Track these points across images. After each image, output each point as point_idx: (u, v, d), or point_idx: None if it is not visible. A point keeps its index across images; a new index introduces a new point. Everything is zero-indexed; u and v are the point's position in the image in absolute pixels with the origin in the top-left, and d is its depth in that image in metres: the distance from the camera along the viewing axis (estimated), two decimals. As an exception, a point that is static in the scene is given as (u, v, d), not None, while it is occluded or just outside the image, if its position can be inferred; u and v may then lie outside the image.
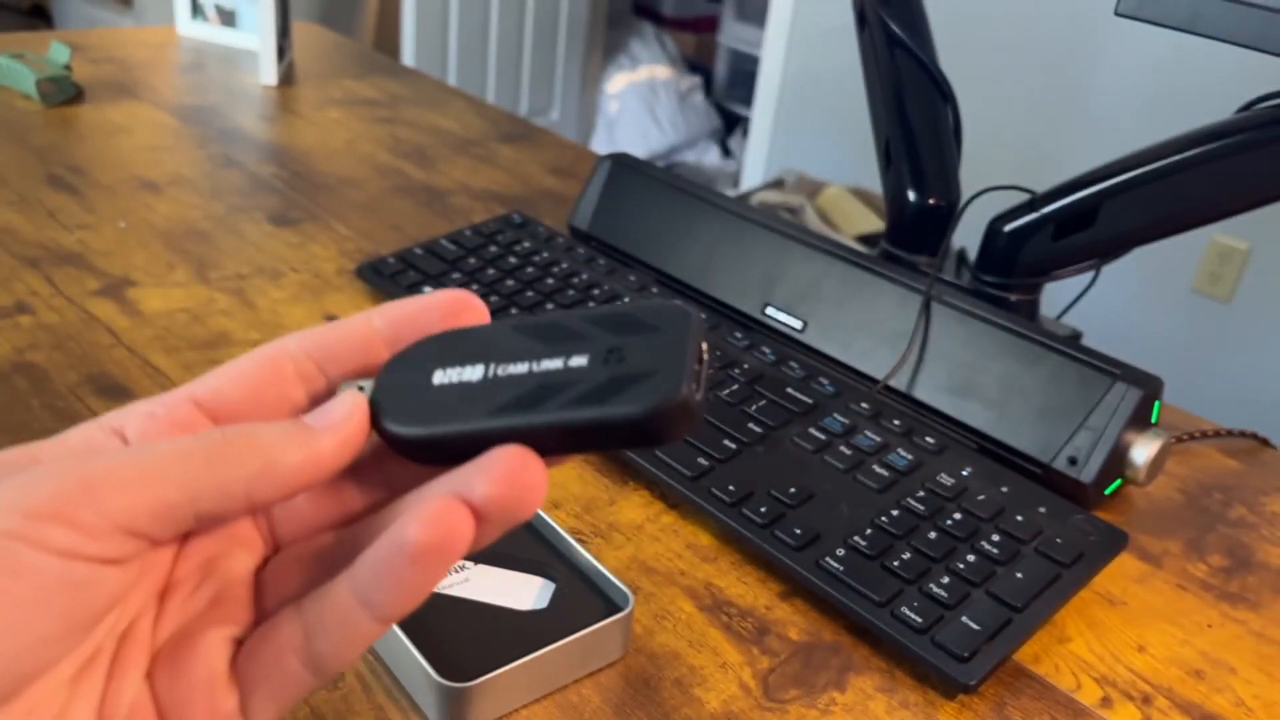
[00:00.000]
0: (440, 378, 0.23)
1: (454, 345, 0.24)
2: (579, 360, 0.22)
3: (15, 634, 0.19)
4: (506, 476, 0.21)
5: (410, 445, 0.23)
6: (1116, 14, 0.57)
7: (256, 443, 0.22)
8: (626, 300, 0.64)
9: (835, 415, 0.55)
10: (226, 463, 0.21)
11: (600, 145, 3.30)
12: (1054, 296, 0.75)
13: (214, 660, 0.23)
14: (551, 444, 0.22)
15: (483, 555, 0.44)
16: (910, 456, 0.53)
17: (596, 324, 0.23)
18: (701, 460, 0.51)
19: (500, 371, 0.23)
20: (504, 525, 0.21)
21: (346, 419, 0.23)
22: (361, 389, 0.24)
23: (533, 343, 0.23)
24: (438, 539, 0.20)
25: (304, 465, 0.22)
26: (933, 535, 0.48)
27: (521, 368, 0.23)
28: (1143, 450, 0.53)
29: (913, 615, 0.43)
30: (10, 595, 0.19)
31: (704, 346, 0.22)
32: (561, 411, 0.21)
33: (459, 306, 0.25)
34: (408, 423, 0.23)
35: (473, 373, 0.23)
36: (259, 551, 0.25)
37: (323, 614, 0.22)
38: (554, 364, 0.22)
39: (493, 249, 0.70)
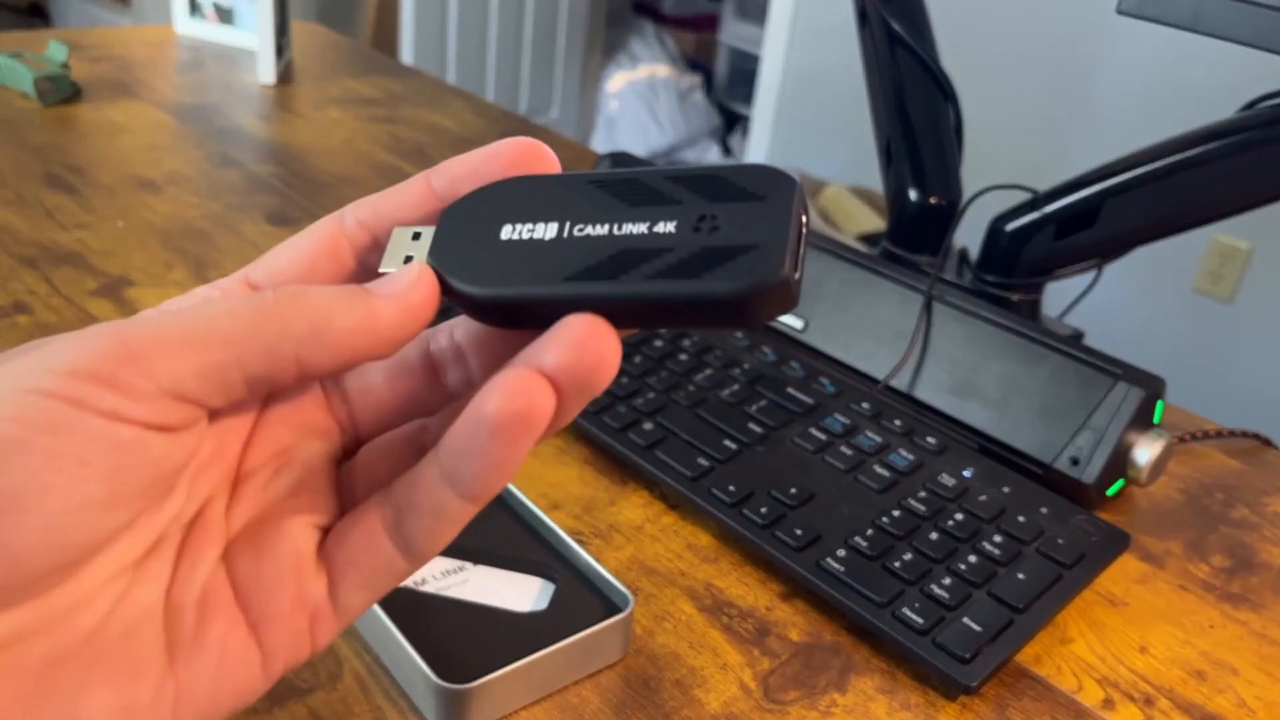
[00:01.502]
0: (509, 233, 0.21)
1: (523, 196, 0.22)
2: (666, 226, 0.20)
3: (58, 494, 0.18)
4: (577, 345, 0.20)
5: (481, 306, 0.21)
6: (1118, 12, 0.57)
7: (305, 303, 0.20)
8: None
9: (836, 415, 0.55)
10: (273, 321, 0.20)
11: (600, 144, 3.30)
12: (1056, 296, 0.75)
13: (299, 543, 0.22)
14: (634, 316, 0.20)
15: (482, 556, 0.44)
16: (911, 457, 0.52)
17: (686, 185, 0.21)
18: (702, 460, 0.51)
19: (577, 231, 0.21)
20: (580, 397, 0.20)
21: (411, 287, 0.21)
22: (418, 236, 0.22)
23: (613, 201, 0.21)
24: (517, 410, 0.19)
25: (357, 329, 0.20)
26: (934, 536, 0.48)
27: (601, 229, 0.21)
28: (1145, 450, 0.52)
29: (914, 616, 0.43)
30: (49, 452, 0.18)
31: (804, 219, 0.20)
32: (649, 283, 0.20)
33: (528, 156, 0.23)
34: (477, 281, 0.21)
35: (545, 230, 0.21)
36: (336, 440, 0.24)
37: (411, 495, 0.21)
38: (638, 228, 0.20)
39: (492, 248, 0.69)
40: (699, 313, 0.20)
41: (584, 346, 0.20)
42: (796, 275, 0.20)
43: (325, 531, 0.23)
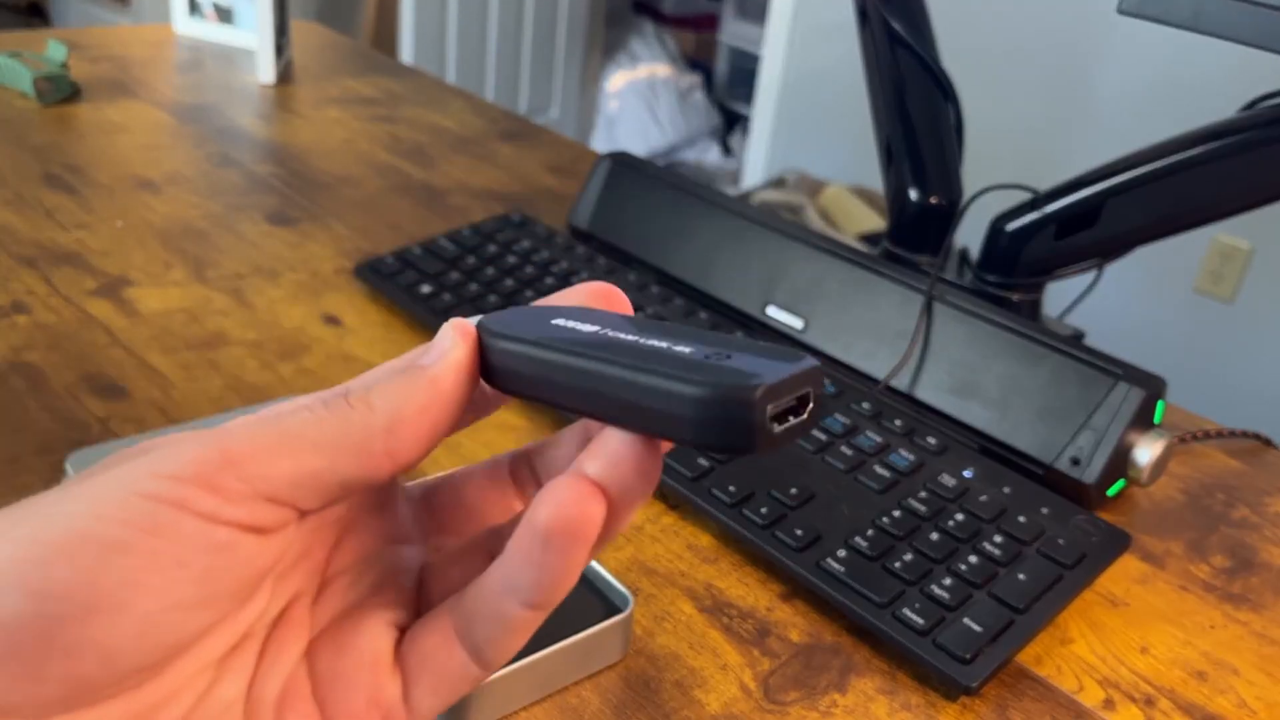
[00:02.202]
0: (554, 320, 0.23)
1: (580, 312, 0.24)
2: (685, 348, 0.21)
3: (154, 595, 0.19)
4: (619, 455, 0.20)
5: (496, 355, 0.23)
6: (1119, 12, 0.57)
7: (378, 398, 0.21)
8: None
9: (836, 415, 0.55)
10: (356, 425, 0.21)
11: (600, 144, 3.30)
12: (1056, 296, 0.75)
13: (378, 644, 0.23)
14: (615, 406, 0.21)
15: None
16: (911, 457, 0.52)
17: (722, 340, 0.22)
18: (702, 461, 0.51)
19: (611, 333, 0.22)
20: (628, 504, 0.21)
21: (452, 345, 0.22)
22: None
23: (654, 327, 0.22)
24: (566, 519, 0.20)
25: (428, 405, 0.22)
26: (934, 536, 0.47)
27: (630, 338, 0.22)
28: (1145, 451, 0.52)
29: (914, 617, 0.43)
30: (148, 553, 0.19)
31: (812, 394, 0.20)
32: (636, 372, 0.20)
33: (601, 296, 0.24)
34: (505, 334, 0.23)
35: (585, 328, 0.23)
36: (418, 547, 0.25)
37: (479, 603, 0.22)
38: (661, 344, 0.21)
39: (492, 248, 0.69)
40: (667, 413, 0.20)
41: (624, 457, 0.20)
42: (773, 424, 0.20)
43: (402, 632, 0.23)
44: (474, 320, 0.23)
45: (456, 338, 0.22)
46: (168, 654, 0.19)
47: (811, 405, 0.21)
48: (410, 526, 0.25)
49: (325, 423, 0.21)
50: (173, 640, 0.19)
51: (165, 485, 0.19)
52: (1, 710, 0.18)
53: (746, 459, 0.52)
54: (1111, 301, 1.95)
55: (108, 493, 0.19)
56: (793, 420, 0.20)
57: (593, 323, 0.23)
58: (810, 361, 0.21)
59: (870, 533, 0.47)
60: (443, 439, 0.23)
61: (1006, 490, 0.51)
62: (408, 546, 0.25)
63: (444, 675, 0.22)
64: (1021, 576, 0.46)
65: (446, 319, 0.25)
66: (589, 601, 0.42)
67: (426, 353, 0.23)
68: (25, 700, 0.18)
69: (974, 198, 0.71)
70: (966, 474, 0.52)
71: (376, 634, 0.23)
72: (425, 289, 0.65)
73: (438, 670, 0.22)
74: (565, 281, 0.66)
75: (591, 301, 0.24)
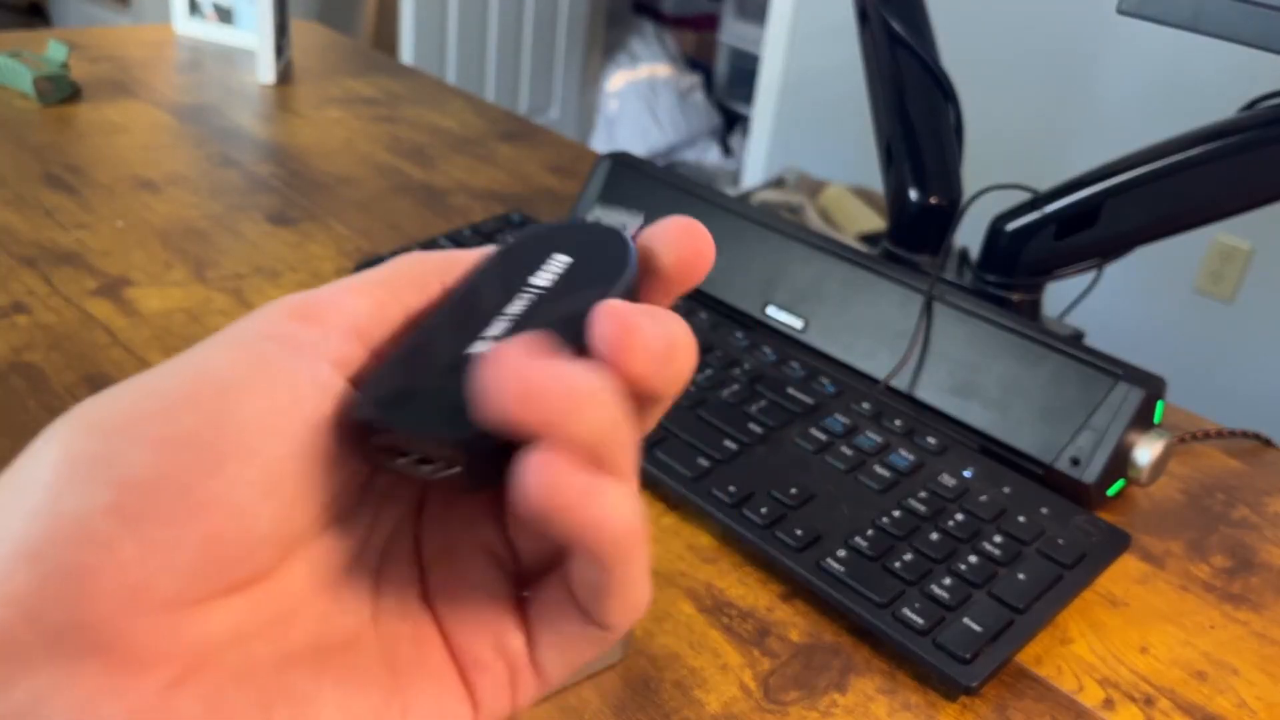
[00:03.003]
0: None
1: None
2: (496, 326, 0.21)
3: (278, 438, 0.18)
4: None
5: None
6: (1119, 12, 0.57)
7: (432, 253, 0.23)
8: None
9: (836, 415, 0.55)
10: (413, 263, 0.22)
11: (600, 144, 3.30)
12: (1056, 296, 0.75)
13: (494, 592, 0.22)
14: None
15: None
16: (912, 457, 0.52)
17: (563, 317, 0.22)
18: (702, 461, 0.51)
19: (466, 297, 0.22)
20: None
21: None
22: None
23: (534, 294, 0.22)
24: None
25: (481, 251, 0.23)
26: (934, 536, 0.47)
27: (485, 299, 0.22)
28: (1145, 451, 0.52)
29: (914, 617, 0.43)
30: (266, 390, 0.18)
31: (443, 461, 0.19)
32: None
33: (685, 231, 0.23)
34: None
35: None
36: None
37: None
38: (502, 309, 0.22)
39: (492, 248, 0.69)
40: None
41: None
42: (380, 451, 0.19)
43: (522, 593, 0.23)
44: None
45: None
46: (292, 529, 0.18)
47: (452, 470, 0.19)
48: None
49: (384, 269, 0.22)
50: (297, 504, 0.18)
51: (268, 324, 0.19)
52: (137, 588, 0.16)
53: (748, 457, 0.52)
54: (1111, 301, 1.96)
55: (217, 341, 0.19)
56: (404, 461, 0.19)
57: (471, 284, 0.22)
58: (461, 435, 0.18)
59: (870, 533, 0.47)
60: None
61: (1006, 490, 0.51)
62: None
63: (566, 635, 0.21)
64: (1021, 576, 0.46)
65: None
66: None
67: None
68: (163, 568, 0.16)
69: (974, 198, 0.71)
70: (966, 474, 0.52)
71: (491, 585, 0.22)
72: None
73: (559, 630, 0.21)
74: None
75: (677, 238, 0.23)
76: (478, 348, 0.20)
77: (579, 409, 0.17)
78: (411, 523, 0.22)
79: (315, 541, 0.20)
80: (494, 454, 0.18)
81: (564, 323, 0.20)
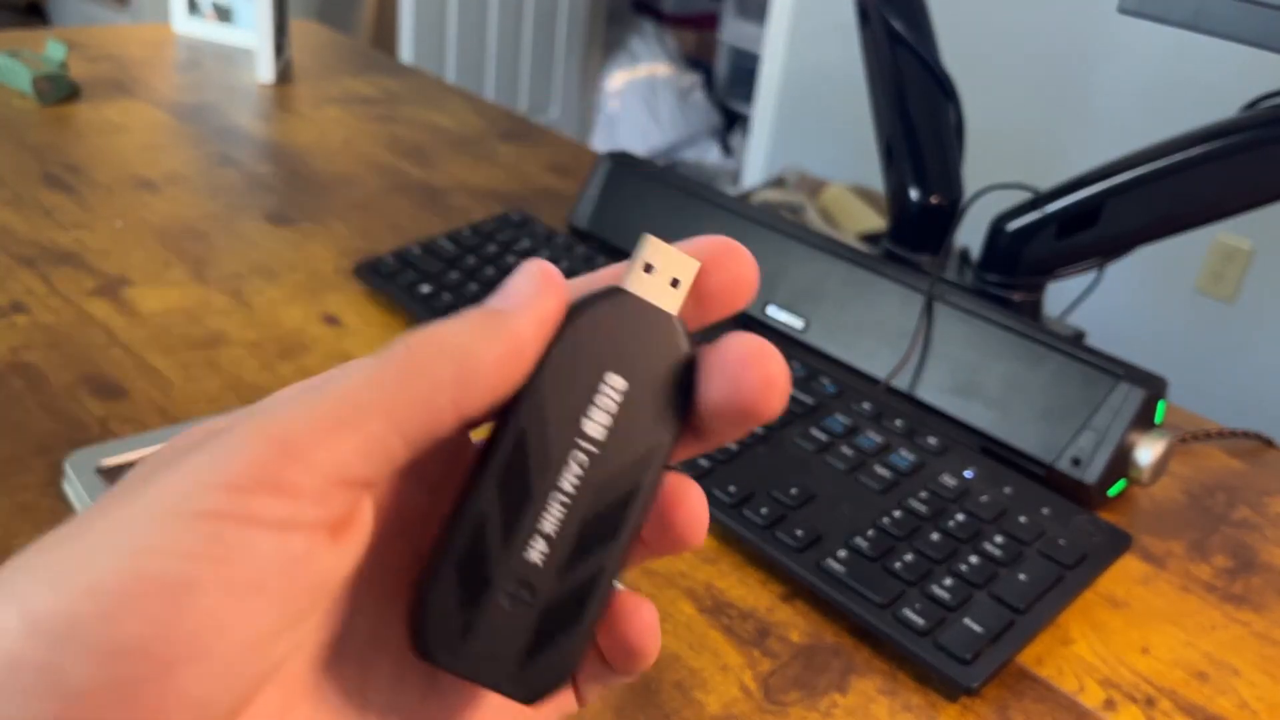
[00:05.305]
0: None
1: None
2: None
3: (236, 632, 0.16)
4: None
5: None
6: (1119, 12, 0.57)
7: (445, 346, 0.18)
8: None
9: (837, 415, 0.55)
10: (419, 376, 0.18)
11: (600, 143, 3.30)
12: (1057, 296, 0.75)
13: None
14: None
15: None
16: (912, 457, 0.52)
17: None
18: (702, 461, 0.51)
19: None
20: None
21: (539, 291, 0.19)
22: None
23: None
24: None
25: (505, 356, 0.19)
26: (935, 537, 0.47)
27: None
28: (1146, 451, 0.52)
29: (915, 617, 0.43)
30: (222, 586, 0.16)
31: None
32: None
33: (723, 251, 0.22)
34: None
35: None
36: None
37: None
38: None
39: (491, 248, 0.69)
40: None
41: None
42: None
43: None
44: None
45: (544, 286, 0.20)
46: (252, 690, 0.17)
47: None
48: None
49: (383, 379, 0.18)
50: (263, 670, 0.17)
51: (225, 498, 0.16)
52: None
53: (748, 457, 0.52)
54: (1112, 301, 1.95)
55: (159, 516, 0.16)
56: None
57: None
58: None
59: (871, 533, 0.47)
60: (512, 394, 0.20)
61: (1007, 490, 0.51)
62: None
63: (603, 674, 0.21)
64: (1022, 577, 0.46)
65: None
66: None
67: (504, 298, 0.20)
68: None
69: (974, 197, 0.71)
70: (967, 474, 0.51)
71: None
72: (425, 289, 0.65)
73: (597, 674, 0.21)
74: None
75: (717, 256, 0.21)
76: (533, 555, 0.20)
77: None
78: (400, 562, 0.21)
79: (280, 669, 0.19)
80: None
81: (617, 504, 0.20)
